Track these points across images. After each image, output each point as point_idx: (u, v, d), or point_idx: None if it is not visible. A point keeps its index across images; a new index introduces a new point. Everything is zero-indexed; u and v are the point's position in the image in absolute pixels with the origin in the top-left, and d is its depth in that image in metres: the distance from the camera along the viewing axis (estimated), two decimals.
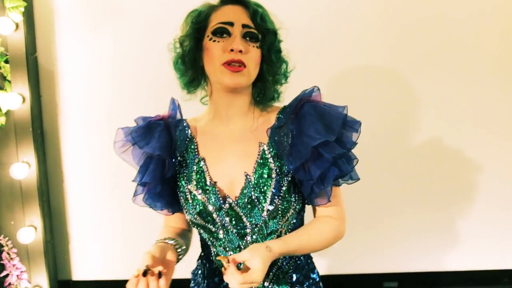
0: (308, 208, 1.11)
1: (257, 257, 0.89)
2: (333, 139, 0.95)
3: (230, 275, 0.87)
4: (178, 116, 1.09)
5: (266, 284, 1.06)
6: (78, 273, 2.03)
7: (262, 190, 0.99)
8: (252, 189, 0.99)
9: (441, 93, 1.96)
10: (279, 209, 1.00)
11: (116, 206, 1.95)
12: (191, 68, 1.06)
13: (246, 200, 1.00)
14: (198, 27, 1.03)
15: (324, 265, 2.04)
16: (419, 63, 1.93)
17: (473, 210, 2.06)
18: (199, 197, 1.01)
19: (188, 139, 1.08)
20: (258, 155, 1.02)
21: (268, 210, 0.99)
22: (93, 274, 2.04)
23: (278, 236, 1.03)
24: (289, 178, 1.01)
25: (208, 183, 1.02)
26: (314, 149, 0.95)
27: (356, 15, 1.89)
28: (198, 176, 1.03)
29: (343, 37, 1.90)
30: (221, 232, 1.03)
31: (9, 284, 1.89)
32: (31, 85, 1.81)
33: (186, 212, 1.05)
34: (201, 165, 1.04)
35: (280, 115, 1.06)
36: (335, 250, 2.02)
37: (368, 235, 2.05)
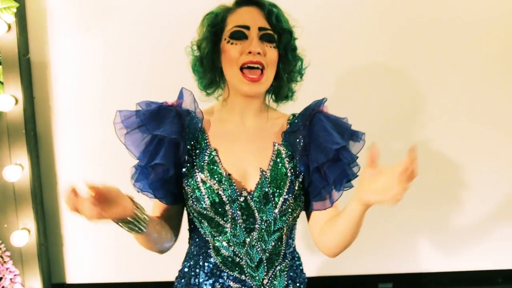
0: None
1: None
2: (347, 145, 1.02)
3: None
4: (189, 107, 1.07)
5: (265, 282, 1.07)
6: (72, 276, 2.02)
7: (278, 186, 1.03)
8: (268, 185, 1.02)
9: (441, 93, 1.97)
10: (290, 207, 1.04)
11: None
12: (210, 70, 1.08)
13: (261, 195, 1.02)
14: (215, 30, 1.05)
15: (318, 267, 2.04)
16: (422, 62, 1.94)
17: (468, 211, 2.06)
18: (214, 187, 1.01)
19: (199, 129, 1.07)
20: (273, 153, 1.06)
21: (281, 207, 1.03)
22: (87, 277, 2.03)
23: (281, 235, 1.07)
24: (301, 180, 1.06)
25: (223, 174, 1.02)
26: (335, 152, 0.99)
27: (360, 14, 1.90)
28: (211, 166, 1.03)
29: (346, 36, 1.91)
30: (228, 225, 1.03)
31: (3, 287, 1.87)
32: (24, 86, 1.79)
33: (195, 202, 1.03)
34: (213, 156, 1.04)
35: (293, 121, 1.11)
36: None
37: (363, 236, 2.04)
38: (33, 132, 1.86)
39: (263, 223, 1.03)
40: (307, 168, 1.04)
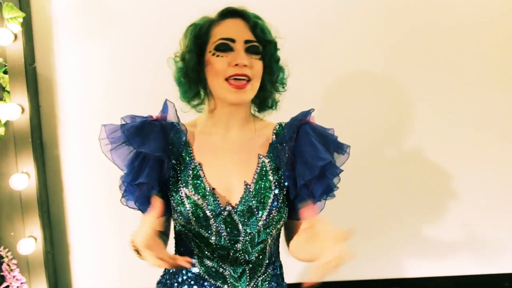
0: None
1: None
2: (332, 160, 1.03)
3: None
4: (173, 119, 1.08)
5: None
6: (78, 284, 2.02)
7: (262, 200, 1.03)
8: (252, 198, 1.02)
9: (432, 99, 1.97)
10: (274, 220, 1.04)
11: (116, 217, 1.94)
12: (195, 82, 1.07)
13: (245, 209, 1.02)
14: (199, 42, 1.04)
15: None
16: (416, 68, 1.95)
17: (475, 215, 2.06)
18: (198, 202, 1.02)
19: (183, 143, 1.07)
20: (258, 166, 1.06)
21: (264, 220, 1.03)
22: (93, 285, 2.03)
23: (265, 246, 1.07)
24: (285, 192, 1.06)
25: (207, 188, 1.03)
26: (320, 169, 1.00)
27: (353, 20, 1.91)
28: (195, 181, 1.03)
29: (339, 42, 1.91)
30: (213, 238, 1.04)
31: None
32: (30, 95, 1.80)
33: (180, 217, 1.04)
34: (197, 170, 1.05)
35: (279, 132, 1.10)
36: None
37: (370, 241, 2.05)
38: (39, 141, 1.87)
39: (247, 236, 1.03)
40: (293, 181, 1.04)
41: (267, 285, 1.11)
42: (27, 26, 1.80)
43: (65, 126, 1.90)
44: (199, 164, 1.05)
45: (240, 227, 1.03)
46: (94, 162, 1.92)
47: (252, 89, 1.03)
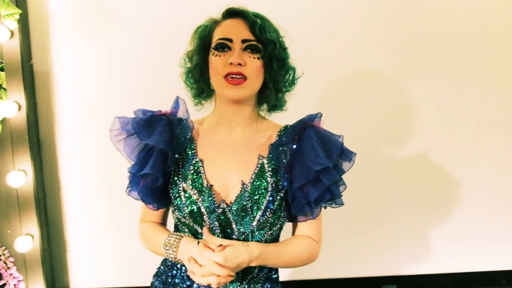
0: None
1: (232, 245, 0.97)
2: (332, 165, 1.01)
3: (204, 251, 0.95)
4: (182, 115, 1.11)
5: None
6: (75, 282, 2.02)
7: (257, 200, 1.03)
8: (247, 198, 1.03)
9: (440, 98, 1.98)
10: (269, 221, 1.04)
11: (113, 214, 1.94)
12: (199, 81, 1.11)
13: (239, 208, 1.03)
14: (203, 42, 1.08)
15: (323, 269, 2.04)
16: (418, 67, 1.96)
17: (471, 212, 2.07)
18: (194, 197, 1.03)
19: (188, 139, 1.09)
20: (257, 167, 1.07)
21: (258, 220, 1.03)
22: (90, 283, 2.03)
23: None
24: (282, 194, 1.06)
25: (204, 185, 1.04)
26: (315, 173, 1.00)
27: (355, 20, 1.91)
28: (194, 176, 1.05)
29: (340, 42, 1.91)
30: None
31: None
32: (27, 92, 1.79)
33: (176, 210, 1.06)
34: (198, 166, 1.06)
35: (282, 134, 1.11)
36: (334, 254, 2.04)
37: (367, 238, 2.05)
38: (36, 138, 1.87)
39: (240, 235, 1.04)
40: (290, 184, 1.04)
41: (260, 287, 1.10)
42: (24, 23, 1.79)
43: (62, 124, 1.90)
44: (201, 160, 1.07)
45: (234, 226, 1.03)
46: (91, 160, 1.91)
47: (250, 86, 1.04)
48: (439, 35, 1.94)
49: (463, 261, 2.11)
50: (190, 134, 1.09)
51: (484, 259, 2.12)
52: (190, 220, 1.04)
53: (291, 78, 1.13)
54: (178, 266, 1.11)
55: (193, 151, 1.09)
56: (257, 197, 1.03)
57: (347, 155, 1.06)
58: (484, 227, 2.08)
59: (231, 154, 1.08)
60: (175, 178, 1.07)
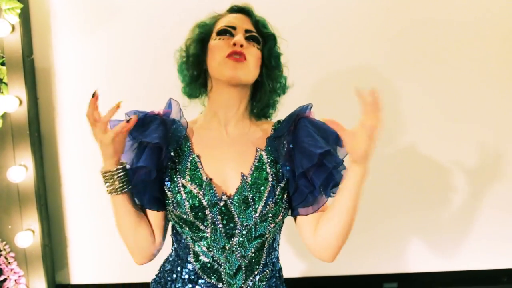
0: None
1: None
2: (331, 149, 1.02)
3: None
4: (175, 116, 1.10)
5: None
6: (76, 277, 2.02)
7: (258, 191, 1.03)
8: (249, 189, 1.03)
9: (435, 95, 1.97)
10: (271, 212, 1.04)
11: None
12: (194, 69, 1.11)
13: (241, 199, 1.02)
14: (203, 32, 1.10)
15: (323, 266, 2.04)
16: (414, 66, 1.94)
17: (472, 210, 2.06)
18: (195, 191, 1.02)
19: (183, 137, 1.09)
20: (255, 159, 1.07)
21: (261, 211, 1.03)
22: (91, 278, 2.03)
23: (264, 242, 1.07)
24: (283, 185, 1.06)
25: (204, 178, 1.03)
26: (319, 156, 0.99)
27: (352, 18, 1.90)
28: (192, 172, 1.05)
29: (335, 41, 1.91)
30: (208, 230, 1.03)
31: None
32: (28, 87, 1.79)
33: (175, 207, 1.04)
34: (195, 162, 1.06)
35: (277, 127, 1.12)
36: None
37: (368, 236, 2.05)
38: (37, 133, 1.86)
39: (243, 228, 1.03)
40: (292, 174, 1.04)
41: (264, 285, 1.10)
42: (25, 17, 1.78)
43: (63, 118, 1.89)
44: (197, 155, 1.07)
45: (236, 218, 1.02)
46: (92, 155, 1.89)
47: (248, 69, 1.05)
48: (436, 32, 1.92)
49: (464, 259, 2.11)
50: (184, 132, 1.09)
51: (485, 257, 2.11)
52: (191, 215, 1.03)
53: (283, 83, 1.16)
54: (178, 269, 1.10)
55: (188, 148, 1.08)
56: (258, 187, 1.03)
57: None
58: (485, 226, 2.08)
59: (227, 149, 1.08)
60: (173, 176, 1.06)
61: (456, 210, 2.06)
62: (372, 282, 2.10)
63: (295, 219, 1.13)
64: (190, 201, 1.02)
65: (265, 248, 1.08)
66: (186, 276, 1.08)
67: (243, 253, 1.05)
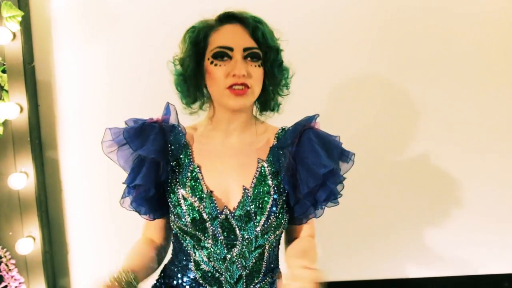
0: None
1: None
2: (335, 167, 1.01)
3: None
4: (174, 121, 1.08)
5: None
6: (77, 284, 2.01)
7: (260, 205, 1.01)
8: (250, 203, 1.01)
9: (442, 101, 1.97)
10: (272, 225, 1.02)
11: (115, 216, 1.94)
12: (194, 88, 1.06)
13: (243, 214, 1.01)
14: (197, 48, 1.02)
15: (325, 272, 2.03)
16: (421, 70, 1.94)
17: (473, 216, 2.06)
18: (195, 204, 1.01)
19: (183, 145, 1.06)
20: (257, 171, 1.04)
21: (262, 225, 1.01)
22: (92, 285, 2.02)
23: (263, 253, 1.06)
24: (284, 198, 1.04)
25: (204, 191, 1.02)
26: (322, 177, 0.99)
27: (356, 22, 1.90)
28: (192, 183, 1.03)
29: (341, 44, 1.91)
30: (209, 241, 1.02)
31: None
32: (29, 94, 1.79)
33: (176, 219, 1.03)
34: (196, 172, 1.04)
35: (280, 136, 1.09)
36: (337, 257, 2.03)
37: (370, 241, 2.04)
38: (38, 140, 1.86)
39: (244, 241, 1.02)
40: (293, 188, 1.03)
41: None
42: (26, 25, 1.79)
43: (64, 126, 1.90)
44: (198, 166, 1.05)
45: (237, 231, 1.01)
46: (92, 162, 1.91)
47: (253, 94, 1.02)
48: (442, 35, 1.93)
49: (466, 264, 2.10)
50: (184, 140, 1.06)
51: (487, 263, 2.11)
52: (192, 228, 1.02)
53: (286, 78, 1.11)
54: (179, 276, 1.09)
55: (189, 158, 1.06)
56: (260, 201, 1.01)
57: (347, 155, 1.06)
58: (488, 231, 2.07)
59: (229, 160, 1.06)
60: (173, 186, 1.05)
61: (458, 216, 2.05)
62: None
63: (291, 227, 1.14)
64: (191, 214, 1.01)
65: (265, 257, 1.07)
66: (188, 284, 1.08)
67: (244, 263, 1.04)
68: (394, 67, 1.94)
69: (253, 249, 1.03)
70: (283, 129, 1.12)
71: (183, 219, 1.02)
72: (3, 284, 1.87)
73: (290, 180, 1.03)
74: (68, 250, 1.99)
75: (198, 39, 1.02)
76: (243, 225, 1.01)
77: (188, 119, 1.14)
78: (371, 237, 2.04)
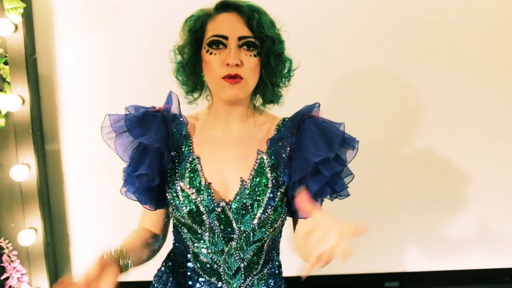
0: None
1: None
2: (333, 156, 0.97)
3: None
4: (176, 111, 1.07)
5: None
6: (79, 275, 2.02)
7: (257, 198, 1.00)
8: (247, 196, 1.00)
9: (442, 96, 1.96)
10: (270, 219, 1.01)
11: (116, 208, 1.94)
12: (192, 77, 1.06)
13: (239, 206, 1.00)
14: (195, 37, 1.02)
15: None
16: (421, 65, 1.94)
17: (474, 210, 2.06)
18: (192, 196, 1.00)
19: (184, 135, 1.06)
20: (256, 162, 1.03)
21: (259, 218, 1.00)
22: None
23: (262, 246, 1.05)
24: (282, 190, 1.02)
25: (202, 183, 1.01)
26: (314, 165, 0.95)
27: (358, 16, 1.89)
28: (191, 174, 1.02)
29: (344, 38, 1.90)
30: (207, 234, 1.02)
31: (10, 286, 1.88)
32: (31, 86, 1.80)
33: (174, 210, 1.03)
34: (195, 164, 1.03)
35: (281, 127, 1.07)
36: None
37: (369, 234, 2.04)
38: (39, 132, 1.87)
39: (241, 234, 1.01)
40: (289, 178, 1.00)
41: (263, 284, 1.09)
42: (28, 16, 1.79)
43: (66, 117, 1.90)
44: (198, 157, 1.04)
45: (234, 224, 1.01)
46: (94, 154, 1.91)
47: (246, 85, 1.00)
48: (444, 30, 1.92)
49: (466, 259, 2.10)
50: (185, 130, 1.06)
51: (487, 257, 2.11)
52: (189, 220, 1.01)
53: (286, 70, 1.08)
54: (179, 265, 1.10)
55: (189, 148, 1.05)
56: (257, 194, 1.00)
57: (350, 143, 1.02)
58: (488, 225, 2.07)
59: (228, 150, 1.05)
60: (172, 177, 1.04)
61: (458, 209, 2.06)
62: (373, 281, 2.10)
63: (293, 221, 1.11)
64: (188, 206, 1.00)
65: (264, 250, 1.07)
66: (187, 273, 1.08)
67: (242, 256, 1.04)
68: (397, 61, 1.93)
69: (251, 242, 1.03)
70: (284, 120, 1.10)
71: (180, 211, 1.01)
72: (5, 275, 1.88)
73: (289, 172, 1.01)
74: (70, 242, 2.00)
75: (195, 27, 1.02)
76: (240, 217, 1.00)
77: (188, 107, 1.13)
78: (370, 231, 2.04)
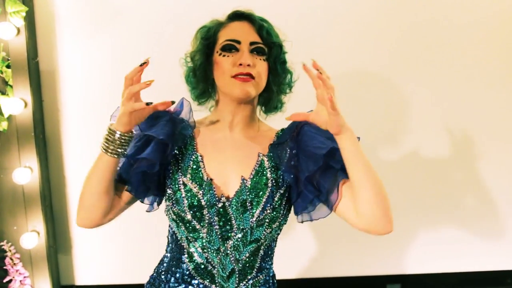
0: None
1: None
2: (338, 147, 0.98)
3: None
4: (185, 116, 1.11)
5: None
6: (81, 278, 2.03)
7: (257, 195, 1.04)
8: (247, 193, 1.04)
9: (438, 98, 1.97)
10: (268, 217, 1.05)
11: None
12: (202, 81, 1.12)
13: (239, 202, 1.04)
14: (207, 43, 1.09)
15: (326, 267, 2.04)
16: (416, 67, 1.94)
17: (476, 212, 2.06)
18: (194, 190, 1.04)
19: (189, 136, 1.10)
20: (257, 163, 1.08)
21: (258, 216, 1.04)
22: (96, 279, 2.04)
23: (259, 247, 1.08)
24: (282, 191, 1.07)
25: (204, 178, 1.05)
26: (324, 158, 0.98)
27: (355, 20, 1.90)
28: (194, 170, 1.06)
29: (338, 43, 1.91)
30: (204, 231, 1.05)
31: None
32: (33, 89, 1.80)
33: (174, 204, 1.06)
34: (198, 161, 1.07)
35: (280, 134, 1.13)
36: (338, 252, 2.03)
37: (371, 237, 2.04)
38: (42, 135, 1.87)
39: (239, 232, 1.04)
40: (295, 180, 1.04)
41: None
42: (30, 20, 1.79)
43: (68, 120, 1.91)
44: (201, 155, 1.08)
45: (233, 221, 1.04)
46: (96, 156, 1.91)
47: (257, 86, 1.06)
48: (439, 33, 1.92)
49: (468, 261, 2.10)
50: (191, 132, 1.10)
51: (489, 259, 2.11)
52: (189, 214, 1.04)
53: (290, 81, 1.16)
54: (173, 269, 1.11)
55: (193, 147, 1.10)
56: (257, 192, 1.04)
57: None
58: (490, 227, 2.07)
59: (231, 152, 1.09)
60: (175, 173, 1.07)
61: (461, 211, 2.06)
62: (375, 284, 2.10)
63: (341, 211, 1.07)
64: (189, 199, 1.04)
65: (259, 254, 1.09)
66: (180, 276, 1.09)
67: (237, 256, 1.06)
68: (396, 68, 1.94)
69: (248, 242, 1.05)
70: (282, 130, 1.16)
71: (182, 204, 1.04)
72: (8, 278, 1.88)
73: (292, 172, 1.04)
74: (72, 245, 2.00)
75: (208, 35, 1.09)
76: (239, 214, 1.03)
77: (195, 113, 1.15)
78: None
